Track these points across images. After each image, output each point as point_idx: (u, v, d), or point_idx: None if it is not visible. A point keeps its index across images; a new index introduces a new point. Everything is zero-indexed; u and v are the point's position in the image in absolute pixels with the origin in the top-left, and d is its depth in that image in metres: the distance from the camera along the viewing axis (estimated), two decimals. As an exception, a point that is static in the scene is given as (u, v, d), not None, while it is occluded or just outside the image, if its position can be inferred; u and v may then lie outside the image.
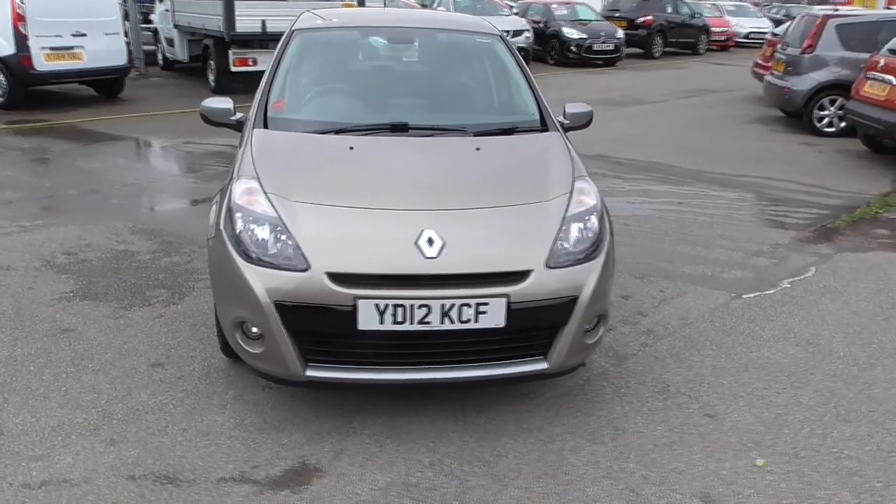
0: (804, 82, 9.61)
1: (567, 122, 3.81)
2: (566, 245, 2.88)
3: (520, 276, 2.75)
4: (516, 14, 18.10)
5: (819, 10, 10.73)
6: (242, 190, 2.99)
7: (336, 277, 2.67)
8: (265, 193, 2.94)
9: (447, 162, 3.33)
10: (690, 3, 20.71)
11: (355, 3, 10.95)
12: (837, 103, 9.44)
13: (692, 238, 5.39)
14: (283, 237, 2.78)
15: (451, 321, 2.68)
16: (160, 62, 14.20)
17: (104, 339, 3.64)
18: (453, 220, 2.86)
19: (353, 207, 2.90)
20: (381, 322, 2.66)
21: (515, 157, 3.46)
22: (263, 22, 10.26)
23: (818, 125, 9.61)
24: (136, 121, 9.49)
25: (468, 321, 2.69)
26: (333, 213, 2.88)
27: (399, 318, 2.66)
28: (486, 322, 2.70)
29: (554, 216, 2.96)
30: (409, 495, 2.58)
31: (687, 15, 20.31)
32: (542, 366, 2.87)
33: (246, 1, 10.22)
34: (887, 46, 8.02)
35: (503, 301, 2.70)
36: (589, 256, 2.91)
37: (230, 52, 10.55)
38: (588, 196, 3.12)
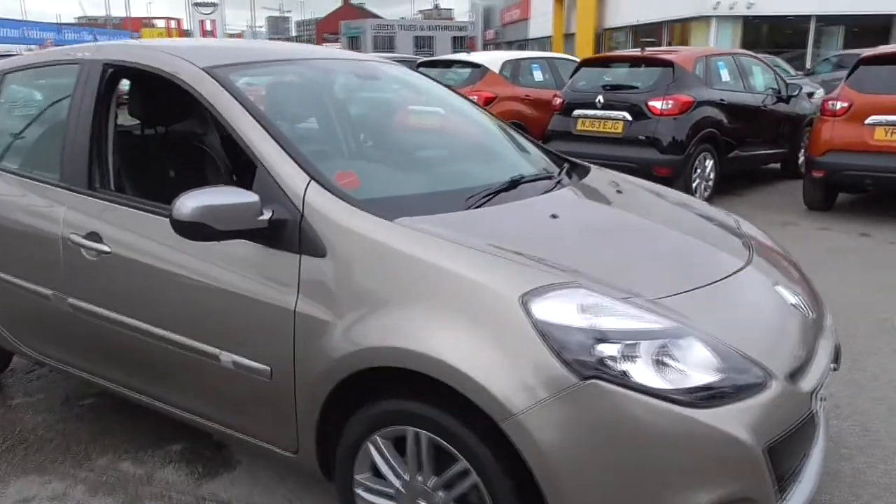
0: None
1: None
2: None
3: None
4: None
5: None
6: (576, 307, 1.81)
7: (791, 376, 1.95)
8: (615, 299, 1.87)
9: (636, 210, 2.79)
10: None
11: None
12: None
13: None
14: (683, 350, 1.81)
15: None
16: None
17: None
18: (761, 268, 2.38)
19: (706, 285, 2.11)
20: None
21: (646, 190, 3.07)
22: None
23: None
24: None
25: None
26: (702, 296, 2.06)
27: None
28: None
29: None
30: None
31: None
32: None
33: None
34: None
35: None
36: None
37: None
38: None
